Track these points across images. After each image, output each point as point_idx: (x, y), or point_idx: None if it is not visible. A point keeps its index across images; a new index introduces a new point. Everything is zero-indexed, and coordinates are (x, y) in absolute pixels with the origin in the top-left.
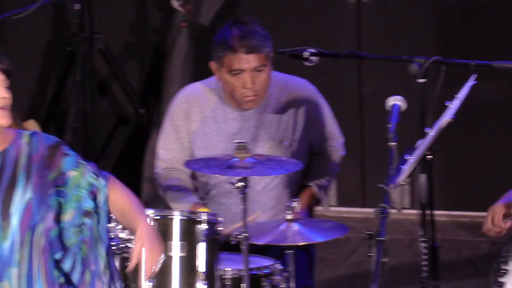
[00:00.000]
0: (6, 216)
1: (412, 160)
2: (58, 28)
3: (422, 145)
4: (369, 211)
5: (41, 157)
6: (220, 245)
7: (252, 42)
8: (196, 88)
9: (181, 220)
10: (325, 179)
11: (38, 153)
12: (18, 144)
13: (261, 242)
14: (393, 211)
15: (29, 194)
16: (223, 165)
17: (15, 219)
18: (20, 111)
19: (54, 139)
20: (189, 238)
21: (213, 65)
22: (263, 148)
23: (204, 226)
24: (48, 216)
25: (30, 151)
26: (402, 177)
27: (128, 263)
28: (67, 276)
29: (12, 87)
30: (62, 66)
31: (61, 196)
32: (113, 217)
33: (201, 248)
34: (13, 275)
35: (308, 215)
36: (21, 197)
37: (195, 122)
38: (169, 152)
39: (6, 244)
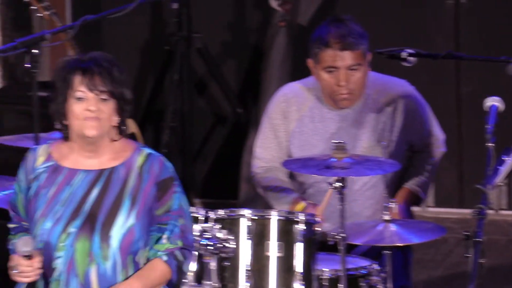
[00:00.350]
0: (105, 237)
1: (509, 160)
2: (156, 27)
3: None
4: (466, 212)
5: (152, 188)
6: (318, 245)
7: (347, 39)
8: (293, 88)
9: (278, 220)
10: (425, 177)
11: (149, 182)
12: (130, 164)
13: (358, 242)
14: (491, 212)
15: (132, 220)
16: (321, 165)
17: (114, 242)
18: None
19: (169, 172)
20: (286, 238)
21: (310, 62)
22: (361, 148)
23: (301, 226)
24: (149, 244)
25: (140, 176)
26: (500, 178)
27: (226, 263)
28: None
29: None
30: (160, 65)
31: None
32: (211, 216)
33: (299, 248)
34: None
35: (407, 213)
36: (123, 222)
37: (293, 121)
38: (267, 151)
39: (108, 264)
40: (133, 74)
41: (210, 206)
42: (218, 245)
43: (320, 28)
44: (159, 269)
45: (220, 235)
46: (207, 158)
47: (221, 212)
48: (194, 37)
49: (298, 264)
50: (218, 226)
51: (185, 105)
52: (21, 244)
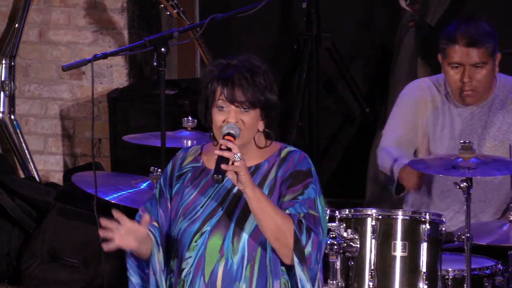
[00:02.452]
0: (239, 231)
1: None
2: (284, 26)
3: None
4: None
5: (286, 175)
6: (443, 245)
7: (474, 36)
8: (424, 82)
9: (403, 220)
10: None
11: (285, 170)
12: (273, 159)
13: (483, 242)
14: None
15: None
16: (448, 165)
17: (245, 235)
18: None
19: (307, 166)
20: (411, 238)
21: (439, 57)
22: (485, 147)
23: (427, 226)
24: None
25: (279, 166)
26: None
27: (350, 262)
28: None
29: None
30: (288, 64)
31: None
32: (337, 215)
33: (424, 248)
34: None
35: None
36: None
37: (424, 113)
38: (393, 132)
39: (236, 259)
40: None
41: (336, 205)
42: (343, 244)
43: (451, 24)
44: (283, 212)
45: (345, 234)
46: (334, 158)
47: (346, 212)
48: (323, 36)
49: (423, 264)
50: (343, 225)
51: (312, 104)
52: (226, 127)
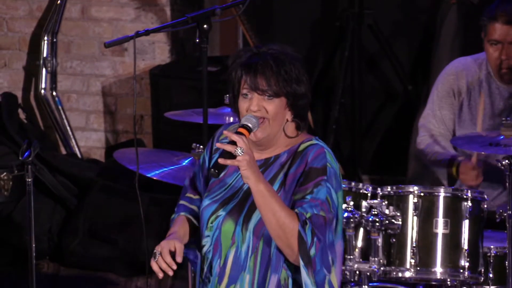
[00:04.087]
0: (247, 219)
1: None
2: (327, 3)
3: None
4: None
5: (298, 173)
6: (485, 223)
7: None
8: (464, 61)
9: (445, 197)
10: None
11: (300, 167)
12: (293, 150)
13: None
14: None
15: None
16: (489, 142)
17: (252, 225)
18: None
19: (323, 163)
20: (453, 215)
21: (483, 35)
22: None
23: (469, 204)
24: None
25: (295, 159)
26: None
27: (392, 239)
28: None
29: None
30: (330, 41)
31: None
32: (379, 193)
33: (465, 226)
34: (246, 281)
35: None
36: None
37: (462, 93)
38: (430, 122)
39: (244, 247)
40: (304, 50)
41: (378, 182)
42: (385, 221)
43: (494, 3)
44: (289, 211)
45: (387, 211)
46: (376, 135)
47: (388, 189)
48: (366, 14)
49: (465, 241)
50: (385, 202)
51: (355, 82)
52: (244, 119)
